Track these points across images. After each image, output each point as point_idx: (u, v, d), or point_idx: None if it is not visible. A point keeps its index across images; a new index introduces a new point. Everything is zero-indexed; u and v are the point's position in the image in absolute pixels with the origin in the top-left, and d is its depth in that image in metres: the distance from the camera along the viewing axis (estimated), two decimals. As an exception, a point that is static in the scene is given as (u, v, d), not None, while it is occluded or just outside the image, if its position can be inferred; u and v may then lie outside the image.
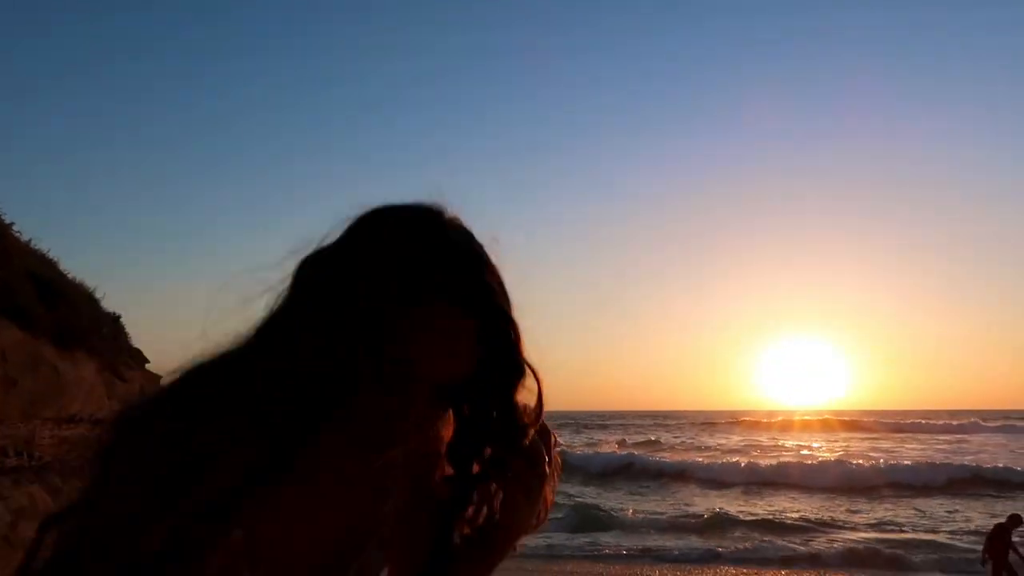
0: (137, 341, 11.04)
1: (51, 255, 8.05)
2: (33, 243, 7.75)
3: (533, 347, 0.90)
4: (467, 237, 0.88)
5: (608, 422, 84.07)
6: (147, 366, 12.70)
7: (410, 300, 0.82)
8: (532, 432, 0.91)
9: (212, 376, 0.81)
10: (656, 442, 47.68)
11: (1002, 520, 12.08)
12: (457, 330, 0.84)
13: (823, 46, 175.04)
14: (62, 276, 8.02)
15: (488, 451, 0.91)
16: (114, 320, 10.19)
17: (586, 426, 73.75)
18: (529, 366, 0.89)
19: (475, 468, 0.91)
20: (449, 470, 0.93)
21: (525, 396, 0.91)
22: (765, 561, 14.14)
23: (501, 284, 0.88)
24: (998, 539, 11.61)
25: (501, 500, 0.91)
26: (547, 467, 0.92)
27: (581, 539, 16.03)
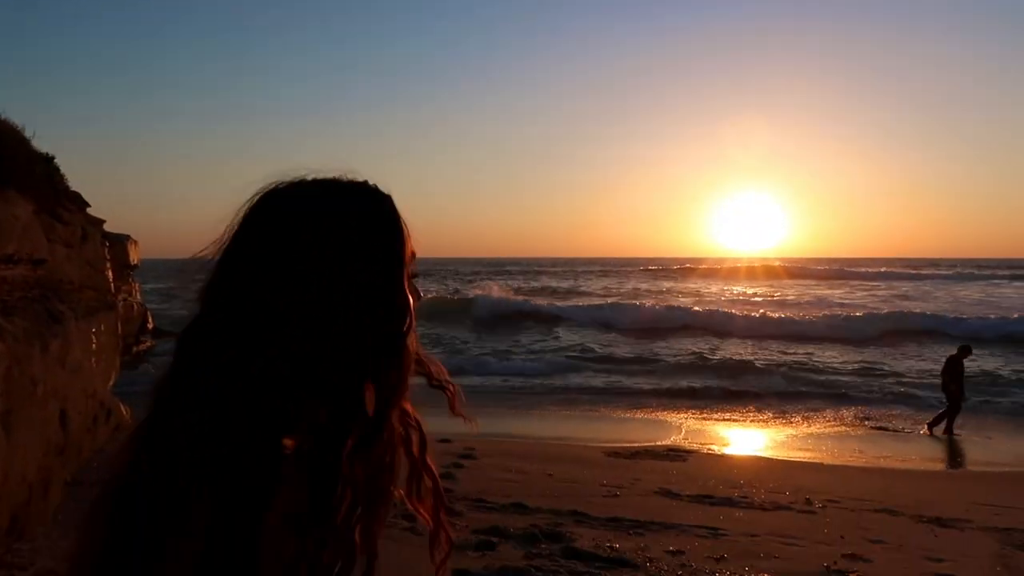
0: (74, 185, 10.61)
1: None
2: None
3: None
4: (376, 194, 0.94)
5: (560, 268, 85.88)
6: (88, 210, 12.33)
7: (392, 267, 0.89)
8: None
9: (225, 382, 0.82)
10: (611, 288, 49.11)
11: (953, 353, 13.07)
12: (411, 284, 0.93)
13: None
14: (-16, 111, 7.52)
15: None
16: (47, 161, 9.72)
17: (539, 272, 75.24)
18: None
19: None
20: None
21: None
22: (723, 396, 15.05)
23: None
24: (951, 370, 12.60)
25: None
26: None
27: (553, 382, 16.72)
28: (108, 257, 11.82)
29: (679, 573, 4.98)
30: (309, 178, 0.91)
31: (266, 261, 0.85)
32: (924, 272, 73.84)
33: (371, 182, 0.94)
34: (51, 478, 5.42)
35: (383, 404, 0.88)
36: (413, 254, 0.95)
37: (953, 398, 12.35)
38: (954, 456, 10.94)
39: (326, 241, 0.85)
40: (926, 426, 12.25)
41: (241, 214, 0.89)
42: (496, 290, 38.35)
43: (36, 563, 4.57)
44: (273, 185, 0.90)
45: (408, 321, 0.90)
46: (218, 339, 0.83)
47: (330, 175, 0.92)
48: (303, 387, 0.83)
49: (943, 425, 12.14)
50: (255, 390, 0.81)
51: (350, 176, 0.93)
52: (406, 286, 0.91)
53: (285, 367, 0.82)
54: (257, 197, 0.90)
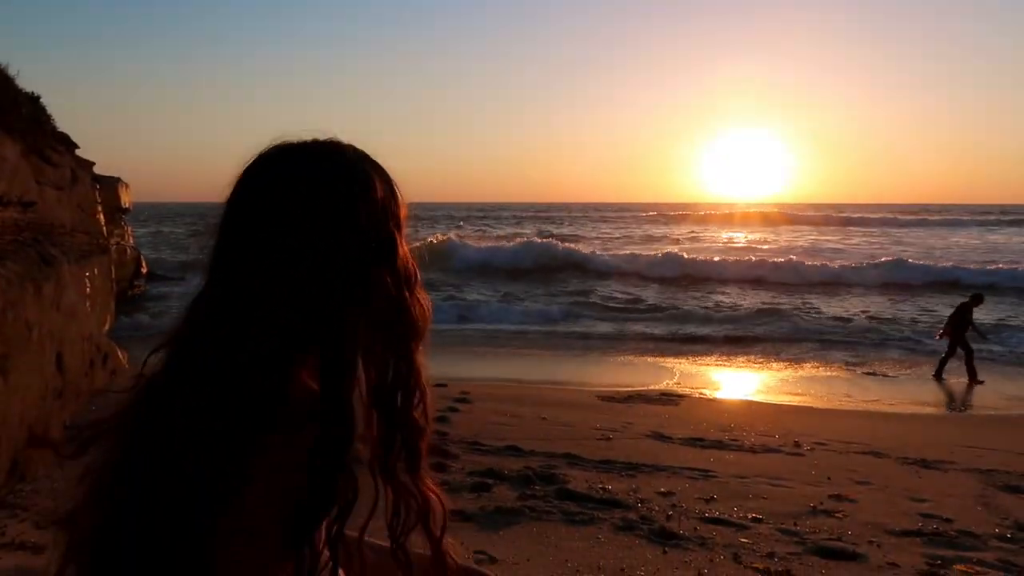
0: (61, 126, 10.41)
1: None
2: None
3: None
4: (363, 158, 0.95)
5: (555, 214, 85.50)
6: (77, 152, 12.14)
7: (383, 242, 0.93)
8: None
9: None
10: (609, 234, 48.95)
11: (965, 299, 13.11)
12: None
13: None
14: (-34, 50, 7.34)
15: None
16: (33, 101, 9.52)
17: (533, 217, 74.93)
18: None
19: None
20: None
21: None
22: (718, 342, 15.23)
23: None
24: (959, 317, 12.67)
25: None
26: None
27: (551, 327, 16.83)
28: (99, 200, 11.71)
29: (669, 513, 5.09)
30: (286, 145, 0.92)
31: (249, 237, 0.88)
32: (920, 217, 73.83)
33: (345, 142, 0.94)
34: (50, 421, 5.47)
35: (401, 368, 0.96)
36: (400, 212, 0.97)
37: (952, 344, 12.45)
38: (940, 400, 11.11)
39: (300, 211, 0.87)
40: (968, 378, 12.21)
41: (227, 192, 0.92)
42: (476, 239, 38.14)
43: (38, 504, 4.65)
44: (251, 159, 0.92)
45: (404, 280, 0.94)
46: (216, 314, 0.87)
47: (308, 139, 0.93)
48: (292, 360, 0.86)
49: (974, 371, 12.21)
50: (248, 364, 0.83)
51: (329, 138, 0.94)
52: (396, 246, 0.93)
53: (275, 340, 0.84)
54: (239, 174, 0.92)
